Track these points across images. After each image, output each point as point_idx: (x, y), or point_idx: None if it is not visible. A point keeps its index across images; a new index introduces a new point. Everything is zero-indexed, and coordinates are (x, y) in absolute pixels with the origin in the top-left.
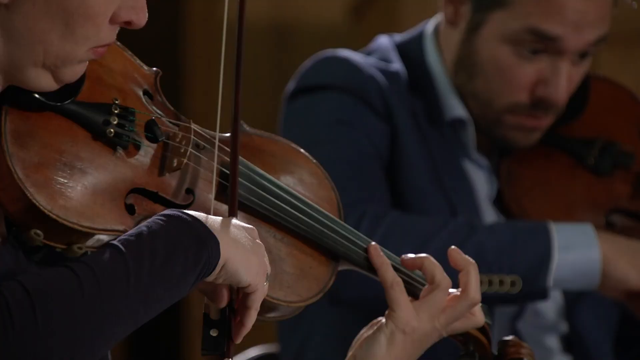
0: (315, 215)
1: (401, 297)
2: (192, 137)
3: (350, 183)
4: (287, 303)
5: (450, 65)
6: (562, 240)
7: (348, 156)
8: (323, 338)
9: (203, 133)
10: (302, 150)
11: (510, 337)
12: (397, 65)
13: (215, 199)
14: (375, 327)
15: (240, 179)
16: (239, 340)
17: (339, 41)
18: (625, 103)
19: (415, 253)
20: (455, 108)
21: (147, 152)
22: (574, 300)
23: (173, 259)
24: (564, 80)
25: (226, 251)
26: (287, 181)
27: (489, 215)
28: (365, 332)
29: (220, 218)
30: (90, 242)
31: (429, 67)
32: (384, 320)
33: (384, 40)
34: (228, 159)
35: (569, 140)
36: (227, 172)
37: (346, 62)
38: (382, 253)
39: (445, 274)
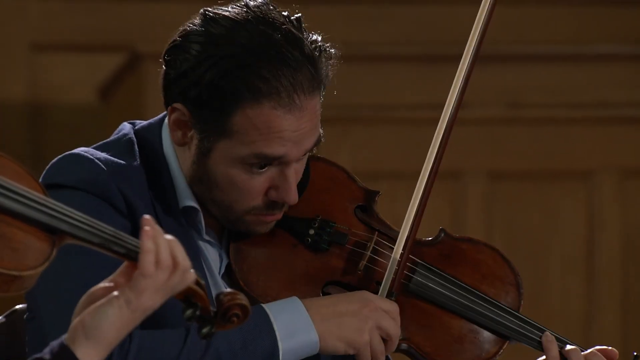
0: (23, 193)
1: (145, 284)
2: None
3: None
4: (19, 272)
5: (187, 173)
6: (283, 331)
7: (93, 254)
8: None
9: None
10: None
11: (226, 290)
12: (136, 161)
13: None
14: (106, 299)
15: None
16: None
17: (91, 120)
18: (340, 181)
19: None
20: (187, 199)
21: None
22: None
23: None
24: (293, 184)
25: None
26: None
27: (221, 287)
28: (88, 303)
29: None
30: None
31: (166, 158)
32: (115, 293)
33: (125, 130)
34: None
35: (290, 219)
36: None
37: (88, 162)
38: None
39: (186, 258)
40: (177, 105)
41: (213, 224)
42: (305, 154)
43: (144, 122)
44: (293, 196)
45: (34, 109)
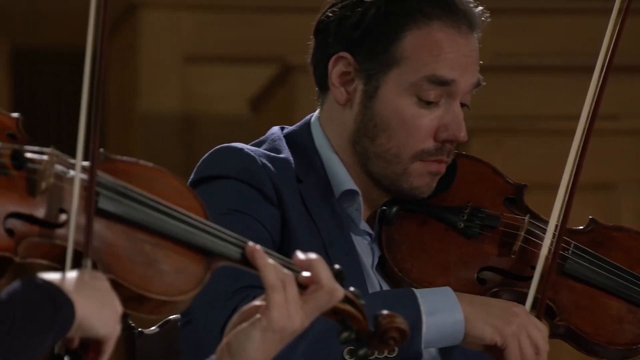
0: (183, 218)
1: (279, 299)
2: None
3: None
4: (169, 297)
5: (344, 142)
6: (427, 306)
7: None
8: None
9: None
10: (162, 168)
11: (383, 311)
12: (285, 153)
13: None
14: (250, 321)
15: (114, 196)
16: None
17: (242, 131)
18: (488, 175)
19: (297, 342)
20: (346, 182)
21: None
22: (446, 351)
23: (29, 325)
24: (461, 119)
25: (81, 311)
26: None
27: (374, 281)
28: (239, 322)
29: (75, 277)
30: None
31: (318, 149)
32: (258, 316)
33: (274, 131)
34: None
35: (440, 208)
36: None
37: (239, 153)
38: (264, 254)
39: (330, 277)
40: (341, 53)
41: (366, 212)
42: (462, 108)
43: (292, 126)
44: (464, 131)
45: (186, 121)
